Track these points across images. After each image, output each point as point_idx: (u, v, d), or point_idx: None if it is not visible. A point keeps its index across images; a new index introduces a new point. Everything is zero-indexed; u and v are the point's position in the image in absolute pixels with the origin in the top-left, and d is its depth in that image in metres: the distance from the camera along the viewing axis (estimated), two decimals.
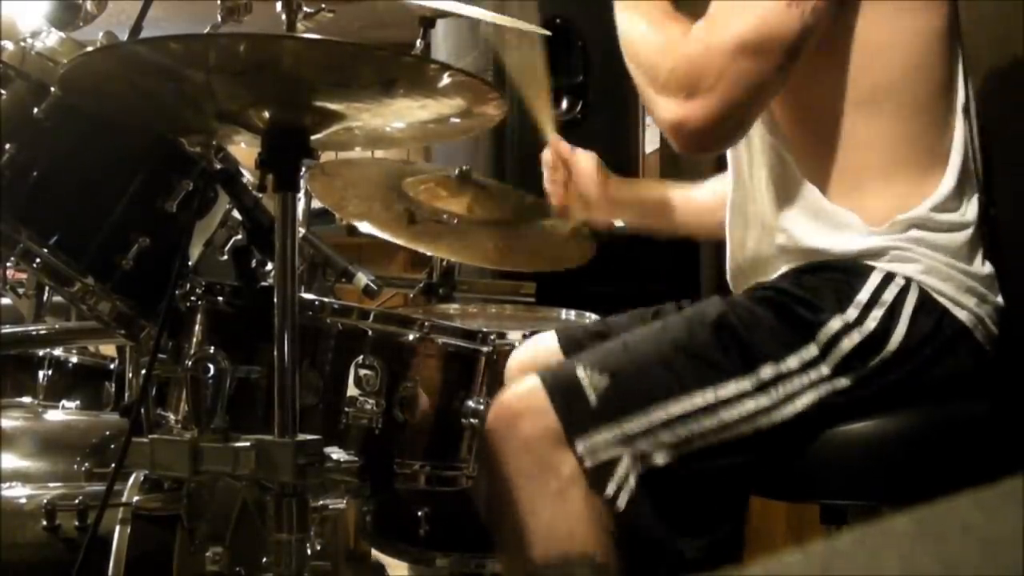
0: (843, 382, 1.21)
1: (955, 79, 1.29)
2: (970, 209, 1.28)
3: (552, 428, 1.22)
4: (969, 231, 1.26)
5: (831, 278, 1.24)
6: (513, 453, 1.24)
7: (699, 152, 1.29)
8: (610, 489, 1.20)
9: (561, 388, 1.24)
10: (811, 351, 1.21)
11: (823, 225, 1.27)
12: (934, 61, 1.27)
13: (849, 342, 1.20)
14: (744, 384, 1.20)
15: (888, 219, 1.25)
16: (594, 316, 1.76)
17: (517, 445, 1.24)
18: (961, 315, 1.23)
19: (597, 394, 1.22)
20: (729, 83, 1.19)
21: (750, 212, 1.37)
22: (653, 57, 1.28)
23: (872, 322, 1.21)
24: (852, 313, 1.21)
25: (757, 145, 1.35)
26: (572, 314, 1.85)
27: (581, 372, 1.23)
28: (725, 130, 1.25)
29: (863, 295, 1.22)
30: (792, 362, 1.21)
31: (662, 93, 1.25)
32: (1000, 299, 1.28)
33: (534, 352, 1.51)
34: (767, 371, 1.21)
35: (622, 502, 1.20)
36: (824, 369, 1.21)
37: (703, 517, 1.27)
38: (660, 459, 1.20)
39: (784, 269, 1.31)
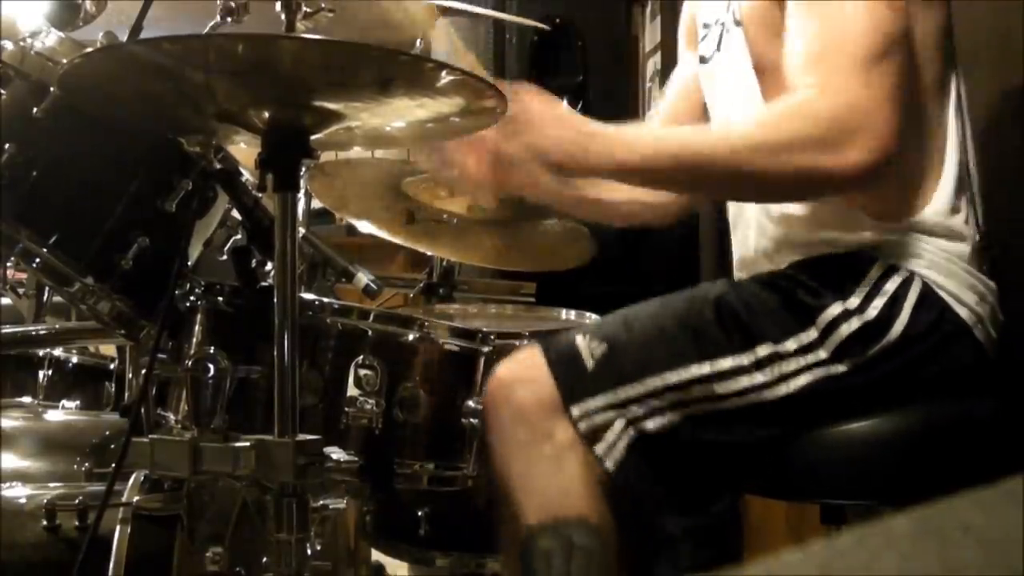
0: (840, 368, 1.22)
1: (948, 78, 1.30)
2: (969, 222, 1.28)
3: (548, 395, 1.24)
4: (969, 244, 1.27)
5: (835, 267, 1.26)
6: (510, 420, 1.26)
7: (880, 176, 1.18)
8: (600, 449, 1.22)
9: (559, 354, 1.25)
10: (810, 335, 1.22)
11: (826, 216, 1.28)
12: (928, 60, 1.27)
13: (848, 328, 1.22)
14: (741, 360, 1.22)
15: (890, 214, 1.25)
16: (594, 316, 1.76)
17: (514, 413, 1.25)
18: (962, 312, 1.24)
19: (595, 360, 1.24)
20: (882, 95, 1.15)
21: (753, 207, 1.38)
22: (765, 141, 1.18)
23: (873, 310, 1.22)
24: (854, 301, 1.22)
25: None
26: (572, 314, 1.85)
27: (580, 340, 1.25)
28: (896, 142, 1.16)
29: (866, 284, 1.23)
30: (790, 344, 1.22)
31: (822, 152, 1.15)
32: (999, 308, 1.28)
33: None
34: (764, 350, 1.22)
35: (611, 463, 1.21)
36: (822, 353, 1.22)
37: (696, 494, 1.28)
38: (652, 424, 1.22)
39: (788, 260, 1.32)
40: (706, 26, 1.46)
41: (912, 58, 1.26)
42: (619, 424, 1.22)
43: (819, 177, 1.17)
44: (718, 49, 1.41)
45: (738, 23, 1.34)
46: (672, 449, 1.23)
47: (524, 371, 1.26)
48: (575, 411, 1.22)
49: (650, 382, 1.22)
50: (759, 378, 1.22)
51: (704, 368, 1.22)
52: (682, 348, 1.23)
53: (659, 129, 1.26)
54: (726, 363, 1.22)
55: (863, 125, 1.14)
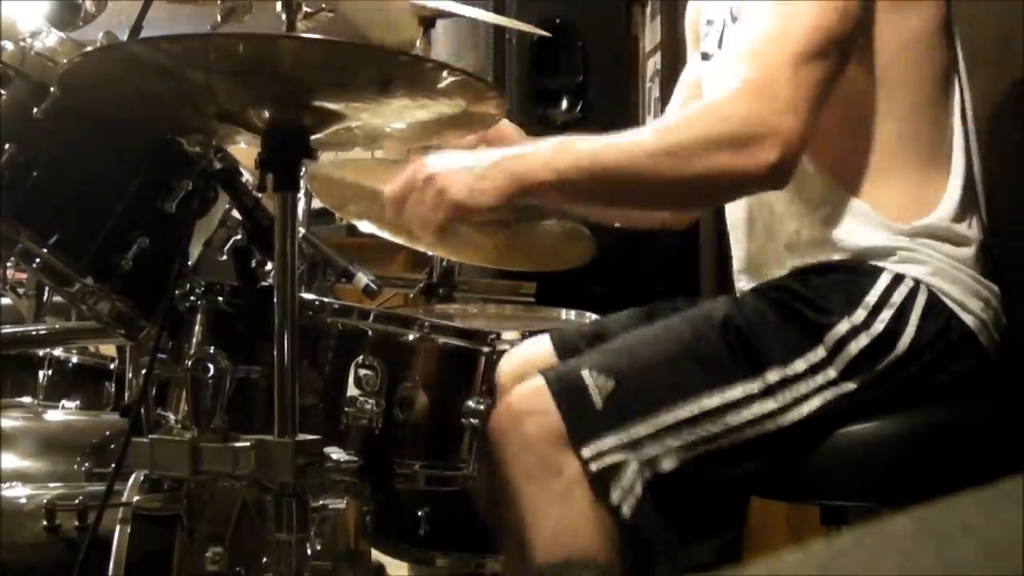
0: (850, 385, 1.20)
1: (951, 78, 1.30)
2: (975, 225, 1.28)
3: (556, 429, 1.21)
4: (975, 247, 1.27)
5: (839, 279, 1.24)
6: (517, 454, 1.24)
7: (785, 182, 1.20)
8: (615, 496, 1.19)
9: (566, 392, 1.22)
10: (818, 354, 1.20)
11: (832, 216, 1.27)
12: (930, 59, 1.27)
13: (856, 345, 1.20)
14: (751, 387, 1.20)
15: (896, 216, 1.25)
16: (594, 316, 1.76)
17: (521, 446, 1.23)
18: (967, 319, 1.23)
19: (603, 398, 1.21)
20: (804, 95, 1.15)
21: (757, 202, 1.37)
22: (671, 145, 1.18)
23: (880, 324, 1.20)
24: (860, 315, 1.21)
25: None
26: (572, 314, 1.85)
27: (586, 375, 1.22)
28: (806, 142, 1.17)
29: (872, 297, 1.21)
30: (799, 365, 1.20)
31: (731, 153, 1.15)
32: (1002, 312, 1.28)
33: (528, 356, 1.51)
34: (774, 374, 1.20)
35: (628, 509, 1.19)
36: (831, 372, 1.20)
37: (708, 521, 1.26)
38: (667, 464, 1.19)
39: (791, 265, 1.31)
40: (709, 23, 1.45)
41: (912, 56, 1.25)
42: (633, 466, 1.19)
43: (731, 177, 1.17)
44: (719, 47, 1.41)
45: (736, 19, 1.34)
46: (688, 484, 1.21)
47: (532, 402, 1.24)
48: (586, 452, 1.20)
49: (661, 419, 1.19)
50: (770, 405, 1.20)
51: (714, 399, 1.19)
52: (690, 378, 1.21)
53: (577, 141, 1.24)
54: (736, 392, 1.20)
55: (775, 125, 1.15)
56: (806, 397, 1.20)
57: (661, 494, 1.21)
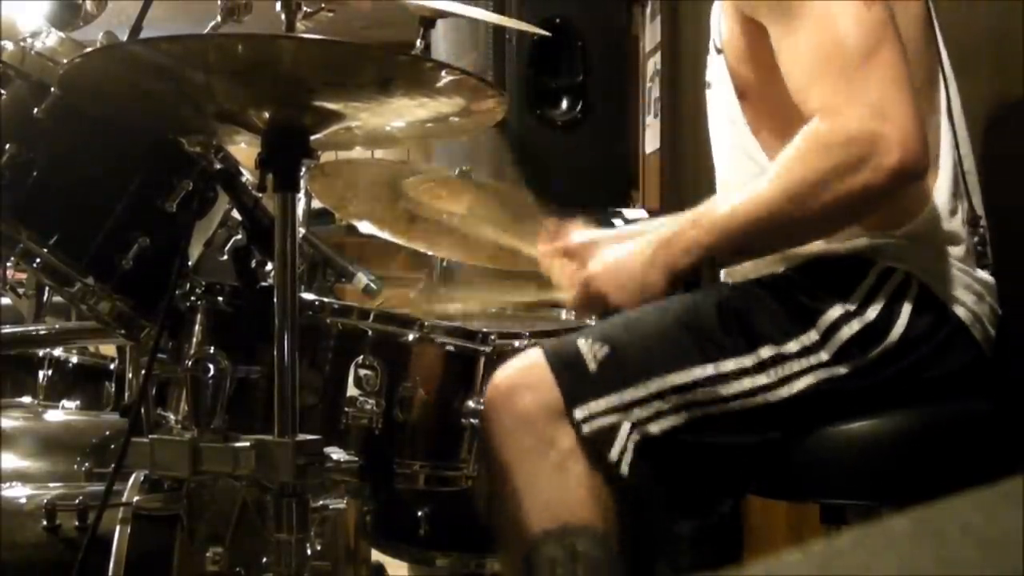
0: (841, 370, 1.22)
1: (935, 77, 1.29)
2: (965, 218, 1.28)
3: (551, 402, 1.23)
4: (965, 241, 1.27)
5: (832, 269, 1.26)
6: (512, 428, 1.25)
7: (926, 163, 1.17)
8: (614, 454, 1.21)
9: (561, 357, 1.25)
10: (811, 336, 1.22)
11: None
12: (913, 57, 1.27)
13: (849, 330, 1.22)
14: (744, 362, 1.22)
15: (887, 224, 1.25)
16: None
17: (516, 419, 1.25)
18: (960, 312, 1.24)
19: (597, 363, 1.23)
20: (884, 85, 1.14)
21: None
22: (789, 190, 1.17)
23: (872, 312, 1.22)
24: (853, 302, 1.22)
25: (743, 160, 1.34)
26: (572, 314, 1.85)
27: (582, 343, 1.25)
28: (917, 122, 1.15)
29: (864, 287, 1.23)
30: (792, 346, 1.22)
31: (850, 176, 1.13)
32: (997, 305, 1.28)
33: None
34: (767, 351, 1.22)
35: (625, 468, 1.21)
36: (823, 355, 1.22)
37: (700, 497, 1.28)
38: (656, 428, 1.21)
39: (780, 269, 1.31)
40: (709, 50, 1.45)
41: None
42: (625, 428, 1.21)
43: (864, 196, 1.15)
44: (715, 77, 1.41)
45: (719, 51, 1.34)
46: (676, 452, 1.23)
47: (526, 377, 1.26)
48: (578, 414, 1.22)
49: (653, 384, 1.22)
50: (762, 380, 1.22)
51: (707, 370, 1.22)
52: (685, 350, 1.23)
53: (711, 212, 1.25)
54: (729, 365, 1.22)
55: (877, 129, 1.12)
56: (797, 376, 1.22)
57: (653, 461, 1.22)
